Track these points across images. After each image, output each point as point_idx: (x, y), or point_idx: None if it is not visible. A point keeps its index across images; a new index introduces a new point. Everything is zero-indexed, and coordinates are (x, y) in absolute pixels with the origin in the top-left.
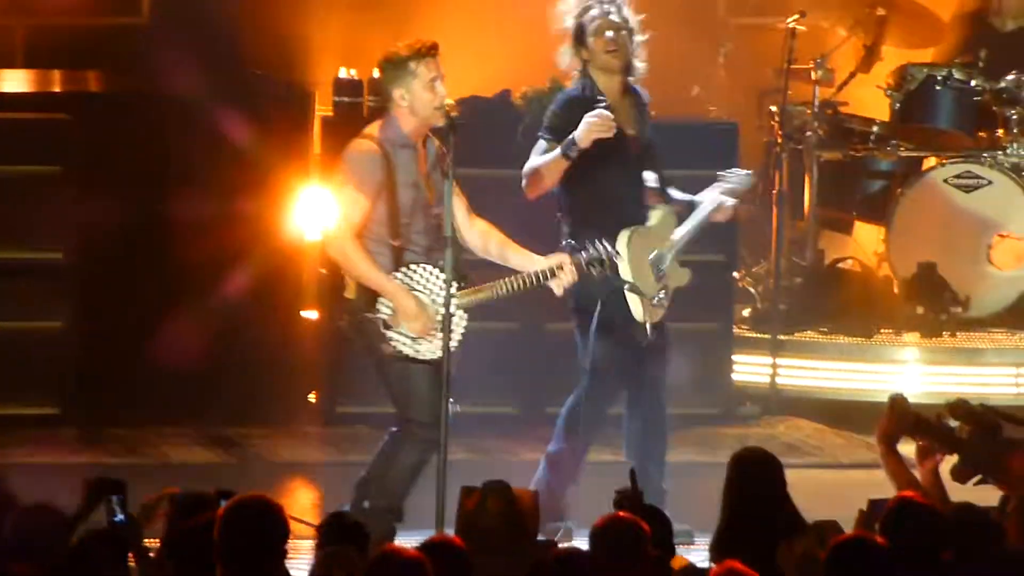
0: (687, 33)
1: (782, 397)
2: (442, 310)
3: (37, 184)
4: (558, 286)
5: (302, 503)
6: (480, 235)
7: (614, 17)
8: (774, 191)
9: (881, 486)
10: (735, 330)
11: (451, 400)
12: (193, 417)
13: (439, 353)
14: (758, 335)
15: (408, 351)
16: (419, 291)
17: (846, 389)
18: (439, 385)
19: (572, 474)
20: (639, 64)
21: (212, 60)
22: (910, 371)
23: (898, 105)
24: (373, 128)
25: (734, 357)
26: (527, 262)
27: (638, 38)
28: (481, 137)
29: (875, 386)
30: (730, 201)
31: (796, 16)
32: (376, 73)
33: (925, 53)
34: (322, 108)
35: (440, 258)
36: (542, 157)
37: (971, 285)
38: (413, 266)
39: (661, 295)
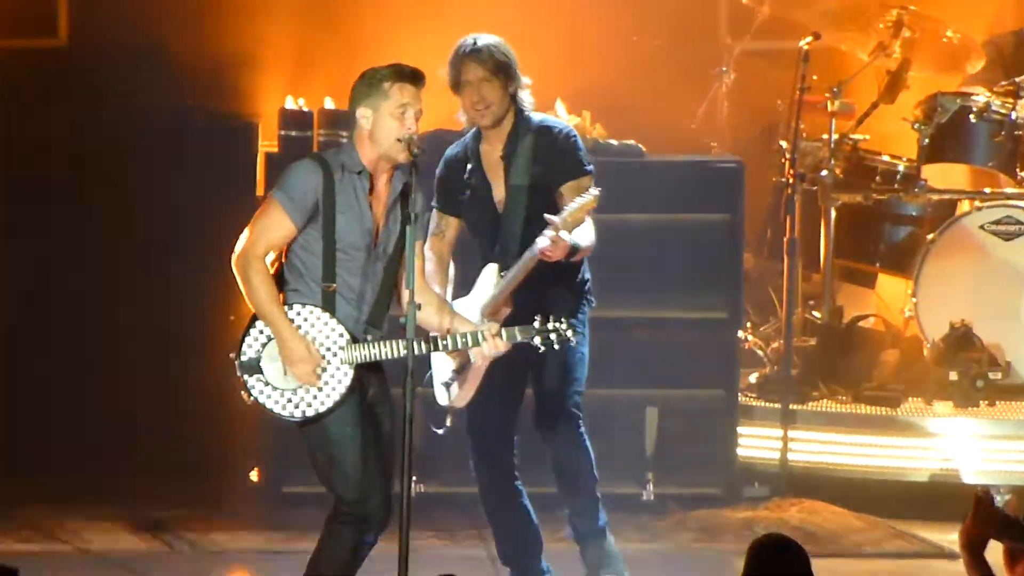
0: (683, 58)
1: (794, 476)
2: (325, 360)
3: None
4: (478, 355)
5: None
6: (430, 305)
7: (473, 70)
8: (785, 239)
9: None
10: (740, 398)
11: (413, 479)
12: (119, 497)
13: (309, 411)
14: (766, 404)
15: (269, 403)
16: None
17: (869, 467)
18: (372, 455)
19: None
20: (526, 104)
21: (138, 89)
22: (942, 445)
23: (927, 140)
24: (328, 151)
25: (739, 429)
26: (459, 324)
27: (522, 80)
28: None
29: (902, 463)
30: (543, 242)
31: (809, 38)
32: (328, 103)
33: (957, 80)
34: (266, 143)
35: (367, 310)
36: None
37: (1012, 347)
38: (298, 306)
39: (452, 373)
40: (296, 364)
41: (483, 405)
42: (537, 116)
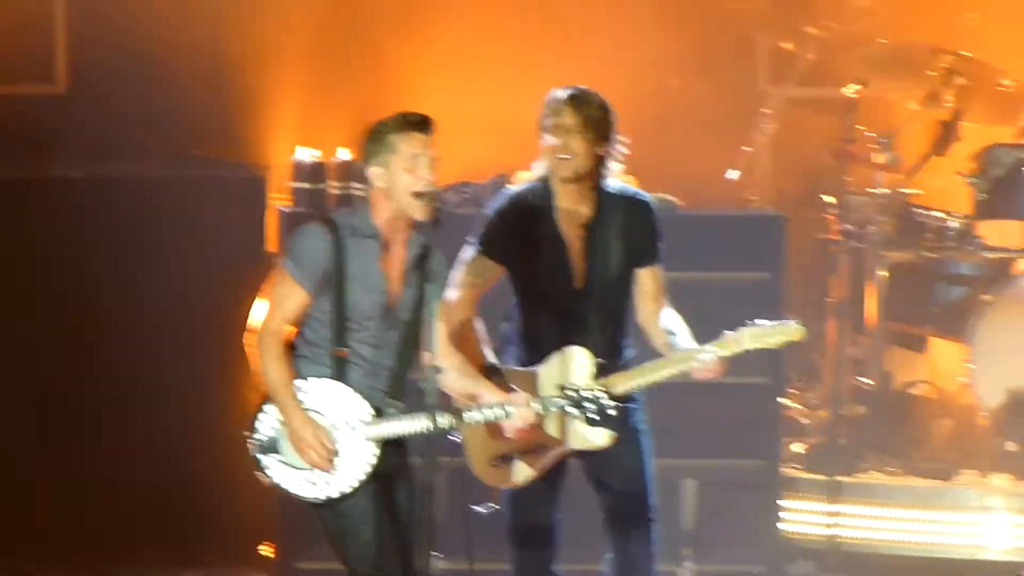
0: (721, 106)
1: (841, 552)
2: (341, 439)
3: None
4: (508, 428)
5: None
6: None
7: (566, 117)
8: (830, 300)
9: None
10: (783, 470)
11: (433, 553)
12: (118, 572)
13: (332, 491)
14: (812, 476)
15: (288, 486)
16: (314, 412)
17: (920, 543)
18: (388, 530)
19: None
20: (612, 171)
21: (141, 138)
22: (999, 521)
23: (982, 195)
24: (339, 212)
25: (782, 503)
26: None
27: (615, 146)
28: (470, 231)
29: (956, 539)
30: (700, 362)
31: (856, 86)
32: (343, 153)
33: (1013, 130)
34: (276, 196)
35: (386, 382)
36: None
37: None
38: (314, 379)
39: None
40: (304, 451)
41: (529, 500)
42: (617, 183)
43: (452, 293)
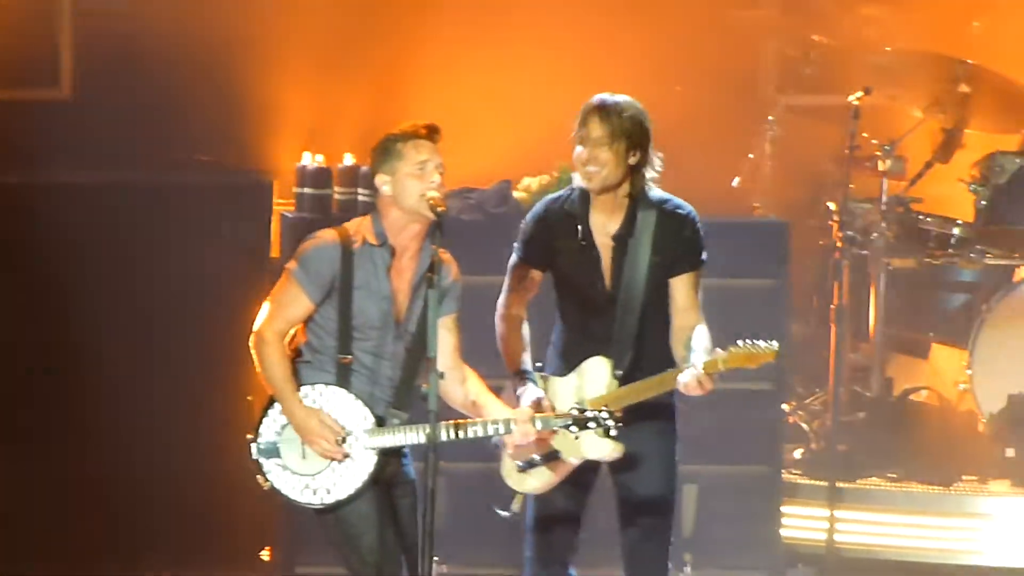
0: (726, 113)
1: (842, 557)
2: (345, 430)
3: None
4: (509, 443)
5: None
6: (462, 384)
7: (593, 128)
8: (832, 306)
9: None
10: (784, 475)
11: (436, 559)
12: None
13: (330, 497)
14: (812, 482)
15: (286, 489)
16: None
17: (919, 548)
18: (390, 536)
19: None
20: (648, 179)
21: (146, 143)
22: (997, 528)
23: (984, 202)
24: (351, 222)
25: (783, 508)
26: (486, 402)
27: (651, 155)
28: (474, 237)
29: (955, 545)
30: (687, 379)
31: (860, 93)
32: (348, 159)
33: (1016, 138)
34: (281, 202)
35: (388, 391)
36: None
37: None
38: (320, 386)
39: (535, 458)
40: (314, 441)
41: (553, 499)
42: (657, 194)
43: (501, 298)
